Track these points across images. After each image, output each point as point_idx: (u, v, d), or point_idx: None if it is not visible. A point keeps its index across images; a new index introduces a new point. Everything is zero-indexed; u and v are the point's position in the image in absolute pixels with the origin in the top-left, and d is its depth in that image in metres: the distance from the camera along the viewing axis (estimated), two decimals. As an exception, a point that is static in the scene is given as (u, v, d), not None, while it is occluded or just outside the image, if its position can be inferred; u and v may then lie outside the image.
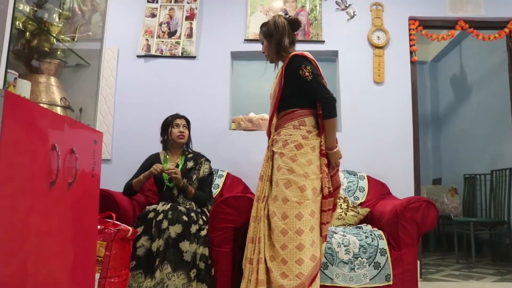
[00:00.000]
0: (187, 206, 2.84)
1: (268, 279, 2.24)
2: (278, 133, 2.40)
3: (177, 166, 3.02)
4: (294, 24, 2.50)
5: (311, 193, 2.28)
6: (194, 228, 2.64)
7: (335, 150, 2.37)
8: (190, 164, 3.02)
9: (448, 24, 3.95)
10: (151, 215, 2.66)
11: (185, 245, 2.57)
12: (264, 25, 2.52)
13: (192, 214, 2.71)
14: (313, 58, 2.39)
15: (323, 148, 2.37)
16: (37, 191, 1.54)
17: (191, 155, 3.10)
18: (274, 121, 2.47)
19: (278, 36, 2.43)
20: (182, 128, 3.07)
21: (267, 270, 2.24)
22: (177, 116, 3.13)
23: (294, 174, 2.28)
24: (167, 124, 3.11)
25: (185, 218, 2.64)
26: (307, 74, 2.30)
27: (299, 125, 2.36)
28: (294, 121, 2.37)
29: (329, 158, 2.36)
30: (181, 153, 3.12)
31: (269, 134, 2.50)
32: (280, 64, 2.52)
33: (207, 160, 3.10)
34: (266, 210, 2.32)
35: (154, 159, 3.11)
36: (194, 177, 2.99)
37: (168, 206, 2.71)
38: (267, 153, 2.44)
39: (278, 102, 2.41)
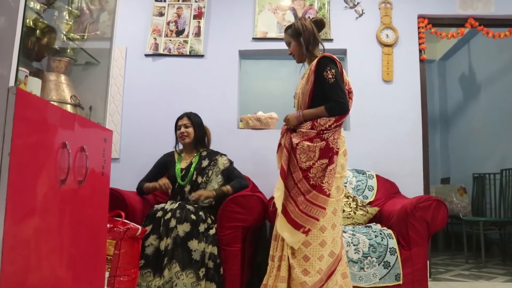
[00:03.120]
0: (195, 205, 2.83)
1: (289, 275, 2.26)
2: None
3: (190, 164, 3.02)
4: (319, 24, 2.55)
5: (334, 192, 2.33)
6: (202, 227, 2.63)
7: (295, 116, 2.41)
8: (204, 162, 3.01)
9: (458, 22, 3.91)
10: (159, 214, 2.66)
11: (193, 244, 2.56)
12: (289, 27, 2.56)
13: (201, 213, 2.70)
14: (339, 61, 2.44)
15: (345, 147, 2.45)
16: (48, 189, 1.54)
17: (205, 153, 3.09)
18: None
19: (307, 34, 2.46)
20: (183, 128, 3.07)
21: (289, 267, 2.27)
22: (180, 116, 3.15)
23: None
24: (175, 127, 3.15)
25: (193, 217, 2.63)
26: (330, 76, 2.33)
27: None
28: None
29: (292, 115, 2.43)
30: (195, 152, 3.12)
31: None
32: (307, 64, 2.55)
33: (223, 154, 3.10)
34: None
35: (167, 158, 3.13)
36: (210, 172, 2.97)
37: (176, 205, 2.70)
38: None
39: (310, 103, 2.41)
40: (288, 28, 2.57)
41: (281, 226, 2.28)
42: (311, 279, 2.21)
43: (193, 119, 3.11)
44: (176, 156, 3.13)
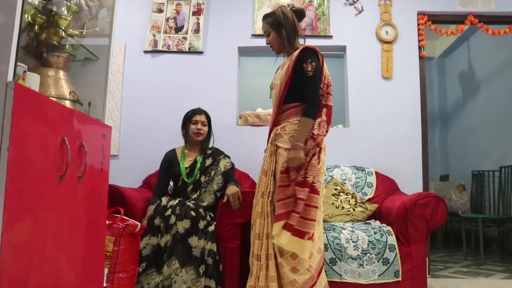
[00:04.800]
0: (194, 202, 2.82)
1: (278, 274, 2.23)
2: (283, 127, 2.37)
3: (195, 162, 2.98)
4: (299, 14, 2.48)
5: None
6: (202, 224, 2.63)
7: (298, 149, 2.23)
8: (208, 161, 2.98)
9: (458, 18, 3.91)
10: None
11: (193, 241, 2.56)
12: (269, 16, 2.46)
13: (200, 210, 2.70)
14: (322, 54, 2.38)
15: (325, 142, 2.39)
16: (46, 185, 1.53)
17: (210, 151, 3.05)
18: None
19: (289, 26, 2.40)
20: (200, 125, 3.01)
21: (277, 266, 2.23)
22: (197, 111, 3.08)
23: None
24: (187, 119, 3.06)
25: (193, 213, 2.63)
26: (309, 69, 2.27)
27: None
28: (299, 117, 2.33)
29: (289, 155, 2.24)
30: (199, 150, 3.07)
31: (273, 125, 2.45)
32: (289, 55, 2.48)
33: (227, 156, 3.04)
34: (272, 205, 2.29)
35: (170, 156, 3.07)
36: (213, 173, 2.92)
37: (176, 201, 2.70)
38: (270, 148, 2.38)
39: (286, 94, 2.36)
40: (267, 16, 2.47)
41: (291, 245, 2.16)
42: (301, 277, 2.18)
43: (209, 118, 3.10)
44: (179, 153, 3.07)
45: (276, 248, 2.23)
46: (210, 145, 3.13)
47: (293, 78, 2.33)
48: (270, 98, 2.55)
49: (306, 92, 2.29)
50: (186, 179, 2.93)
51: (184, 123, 3.08)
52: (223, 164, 2.96)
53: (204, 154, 3.02)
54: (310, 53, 2.32)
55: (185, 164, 3.00)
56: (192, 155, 3.06)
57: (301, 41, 2.48)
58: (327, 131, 2.35)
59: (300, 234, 2.15)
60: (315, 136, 2.26)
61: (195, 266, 2.52)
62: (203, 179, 2.92)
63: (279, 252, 2.23)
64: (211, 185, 2.89)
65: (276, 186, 2.28)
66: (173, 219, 2.58)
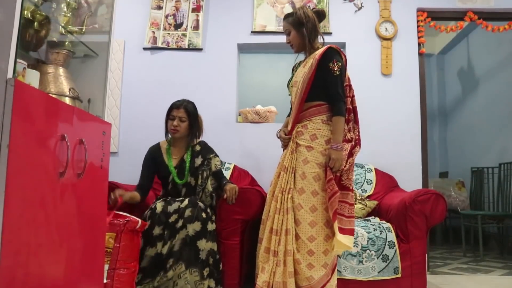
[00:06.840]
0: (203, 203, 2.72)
1: (293, 270, 2.25)
2: (305, 125, 2.39)
3: (183, 161, 2.82)
4: (320, 15, 2.52)
5: None
6: (210, 226, 2.55)
7: (340, 150, 2.29)
8: (198, 161, 2.81)
9: (457, 15, 3.91)
10: (162, 218, 2.53)
11: (202, 244, 2.49)
12: (290, 15, 2.49)
13: (208, 210, 2.62)
14: (345, 55, 2.45)
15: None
16: (47, 182, 1.53)
17: (198, 148, 2.88)
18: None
19: (310, 25, 2.43)
20: (176, 121, 2.77)
21: (294, 262, 2.26)
22: (174, 105, 2.85)
23: (323, 169, 2.31)
24: (167, 114, 2.86)
25: (203, 215, 2.54)
26: (336, 68, 2.32)
27: (327, 120, 2.39)
28: (322, 116, 2.39)
29: (331, 155, 2.27)
30: (185, 146, 2.87)
31: (295, 122, 2.44)
32: (304, 54, 2.52)
33: (216, 155, 2.88)
34: (292, 202, 2.31)
35: (154, 153, 2.89)
36: (205, 174, 2.78)
37: (186, 202, 2.57)
38: (291, 145, 2.40)
39: (308, 92, 2.38)
40: (288, 15, 2.50)
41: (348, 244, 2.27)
42: (317, 273, 2.22)
43: (191, 112, 2.82)
44: (163, 150, 2.88)
45: (295, 245, 2.26)
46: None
47: (316, 76, 2.36)
48: (289, 95, 2.55)
49: (332, 91, 2.35)
50: (177, 180, 2.78)
51: (166, 118, 2.87)
52: (214, 164, 2.83)
53: (192, 152, 2.85)
54: (335, 53, 2.37)
55: (172, 163, 2.83)
56: (178, 152, 2.87)
57: (320, 40, 2.51)
58: (359, 132, 2.43)
59: (351, 232, 2.30)
60: (349, 139, 2.37)
61: (200, 269, 2.46)
62: (193, 181, 2.78)
63: (296, 248, 2.26)
64: (206, 187, 2.79)
65: (312, 190, 2.31)
66: (180, 222, 2.50)
